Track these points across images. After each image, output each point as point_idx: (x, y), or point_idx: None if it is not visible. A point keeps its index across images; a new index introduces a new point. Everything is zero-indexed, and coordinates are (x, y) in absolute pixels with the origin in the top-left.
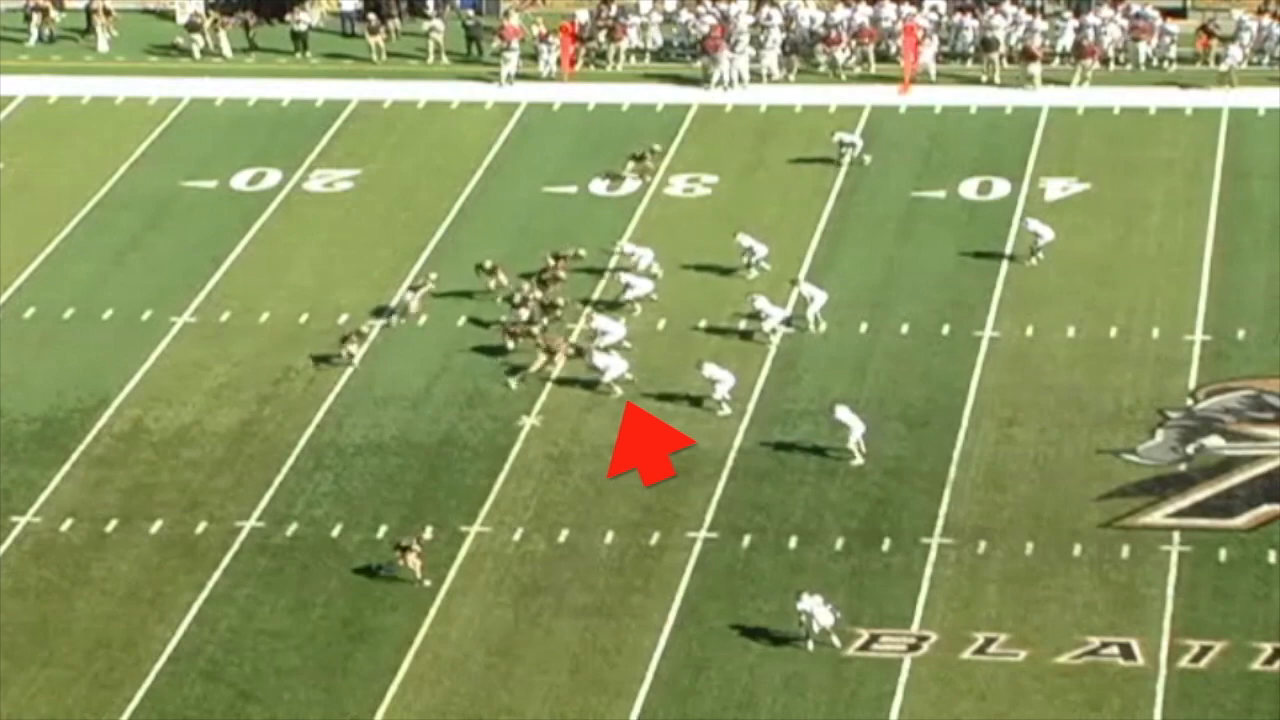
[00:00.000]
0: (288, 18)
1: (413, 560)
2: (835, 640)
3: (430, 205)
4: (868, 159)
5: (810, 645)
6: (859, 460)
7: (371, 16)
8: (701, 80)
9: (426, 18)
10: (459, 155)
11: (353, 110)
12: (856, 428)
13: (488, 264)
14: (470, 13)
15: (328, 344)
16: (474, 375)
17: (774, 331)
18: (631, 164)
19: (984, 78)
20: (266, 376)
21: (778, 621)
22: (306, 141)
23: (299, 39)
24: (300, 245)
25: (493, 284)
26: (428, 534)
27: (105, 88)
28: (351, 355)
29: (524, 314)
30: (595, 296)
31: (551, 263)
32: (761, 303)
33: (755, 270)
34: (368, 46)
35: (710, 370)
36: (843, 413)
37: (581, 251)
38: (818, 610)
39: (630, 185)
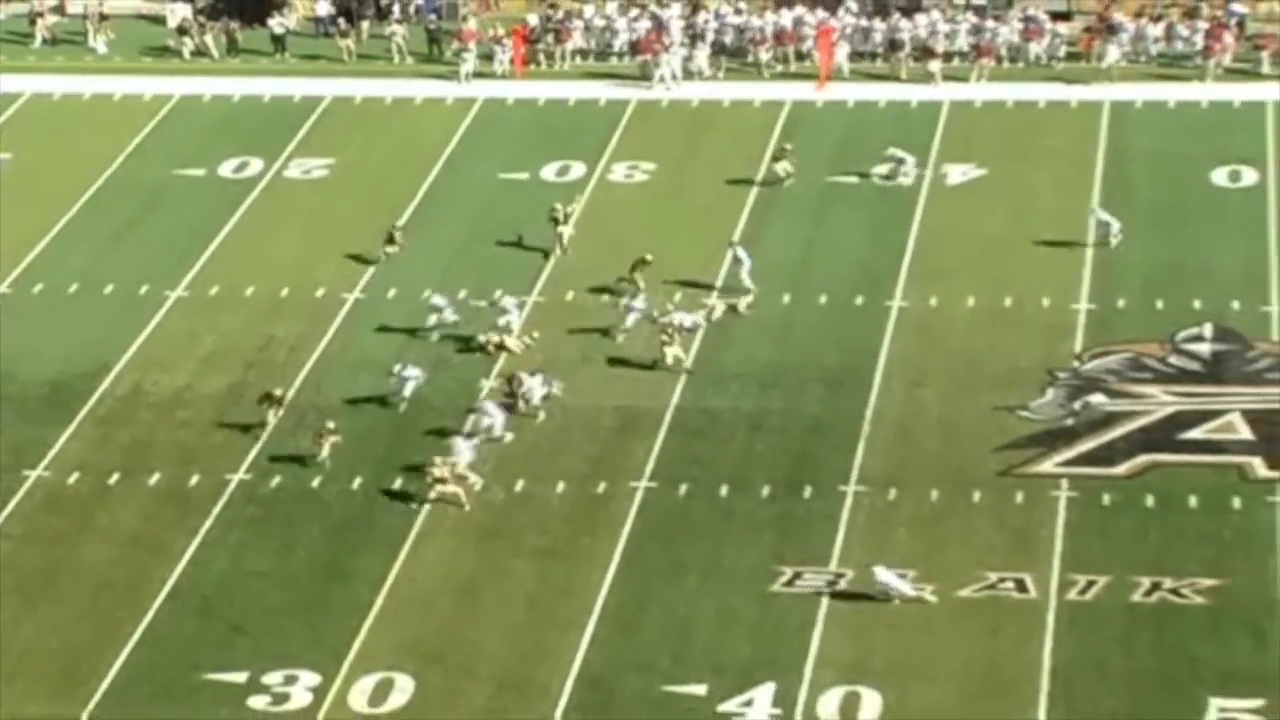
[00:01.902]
0: (268, 22)
1: (450, 489)
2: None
3: (398, 190)
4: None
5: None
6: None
7: (342, 21)
8: (639, 78)
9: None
10: (423, 146)
11: (327, 105)
12: (497, 416)
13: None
14: (432, 18)
15: (305, 318)
16: (438, 344)
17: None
18: (777, 162)
19: (891, 75)
20: (252, 344)
21: (707, 561)
22: (286, 133)
23: (278, 41)
24: (281, 227)
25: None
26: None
27: (104, 86)
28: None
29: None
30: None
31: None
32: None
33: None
34: (339, 48)
35: (525, 380)
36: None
37: (648, 257)
38: (892, 581)
39: (577, 172)
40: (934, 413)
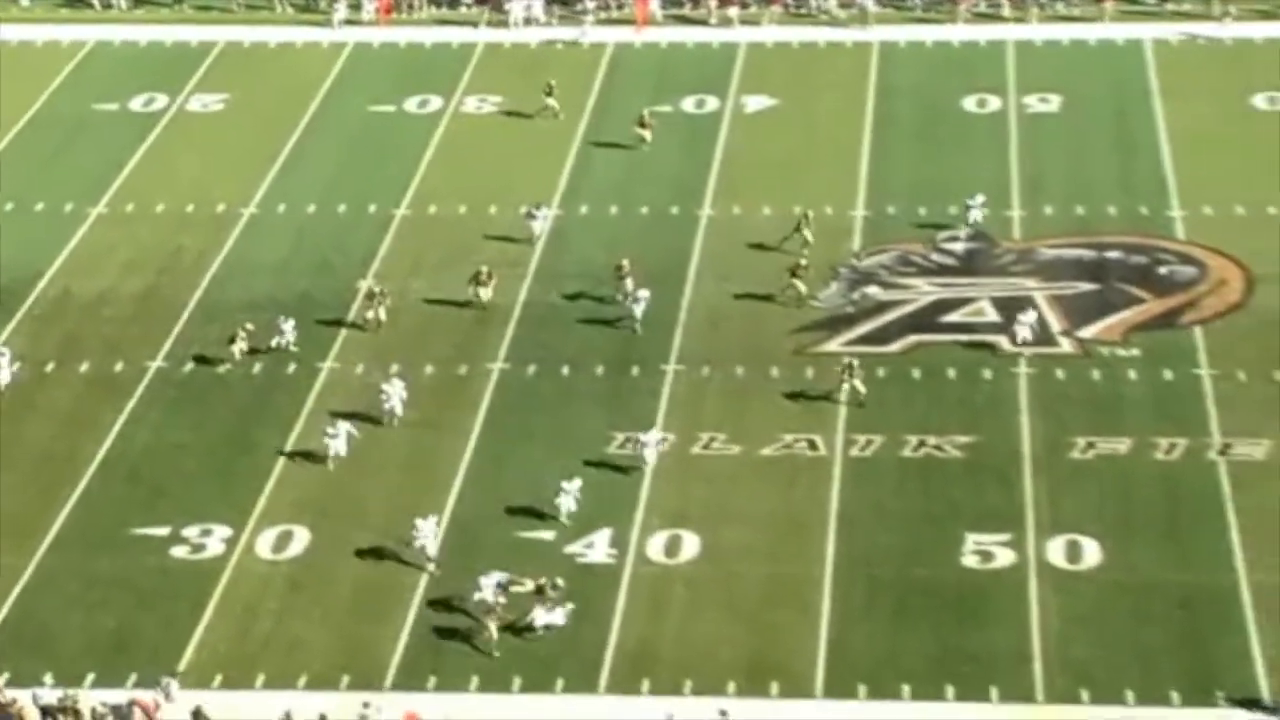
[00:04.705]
0: None
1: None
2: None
3: (283, 121)
4: None
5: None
6: None
7: None
8: (486, 23)
9: None
10: (303, 83)
11: (221, 49)
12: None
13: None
14: None
15: (208, 230)
16: (321, 250)
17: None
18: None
19: (698, 20)
20: (164, 252)
21: (553, 429)
22: (186, 73)
23: None
24: (185, 153)
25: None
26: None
27: (28, 33)
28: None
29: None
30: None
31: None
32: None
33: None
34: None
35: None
36: None
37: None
38: (490, 585)
39: (435, 104)
40: (738, 303)
